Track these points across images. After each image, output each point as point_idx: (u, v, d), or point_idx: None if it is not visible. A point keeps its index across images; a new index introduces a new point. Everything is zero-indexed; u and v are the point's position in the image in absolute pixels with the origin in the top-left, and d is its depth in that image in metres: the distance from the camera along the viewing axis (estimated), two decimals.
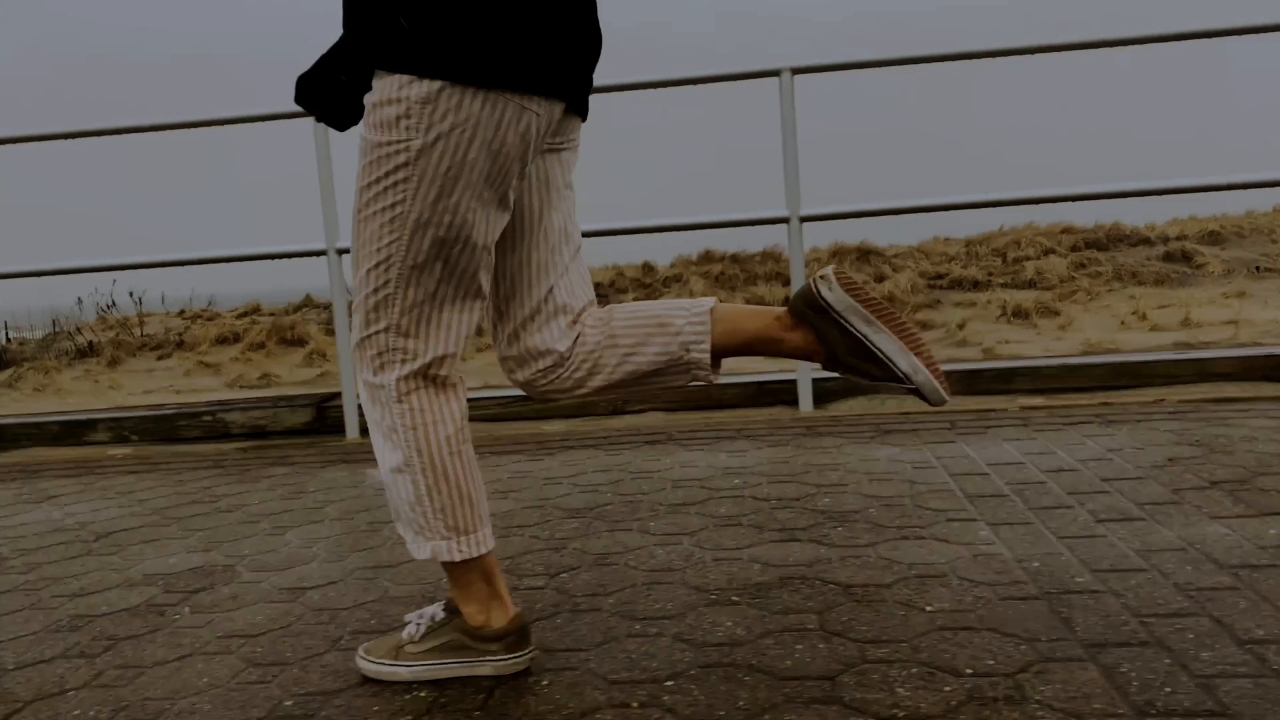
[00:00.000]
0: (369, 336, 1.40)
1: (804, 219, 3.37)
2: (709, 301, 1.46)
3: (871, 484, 2.39)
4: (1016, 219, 19.79)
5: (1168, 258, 16.38)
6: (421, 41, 1.26)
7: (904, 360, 1.39)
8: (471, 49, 1.26)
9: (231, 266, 3.80)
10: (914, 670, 1.39)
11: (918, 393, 1.42)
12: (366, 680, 1.49)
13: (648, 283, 16.67)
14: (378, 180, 1.33)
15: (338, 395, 3.90)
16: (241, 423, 3.68)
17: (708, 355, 1.43)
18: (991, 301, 13.84)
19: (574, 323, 1.47)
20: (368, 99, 1.33)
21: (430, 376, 1.41)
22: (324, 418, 3.69)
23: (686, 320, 1.43)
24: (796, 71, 3.32)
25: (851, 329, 1.39)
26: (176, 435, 3.73)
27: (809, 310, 1.41)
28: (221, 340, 17.15)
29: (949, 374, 3.51)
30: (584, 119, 1.48)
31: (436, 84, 1.27)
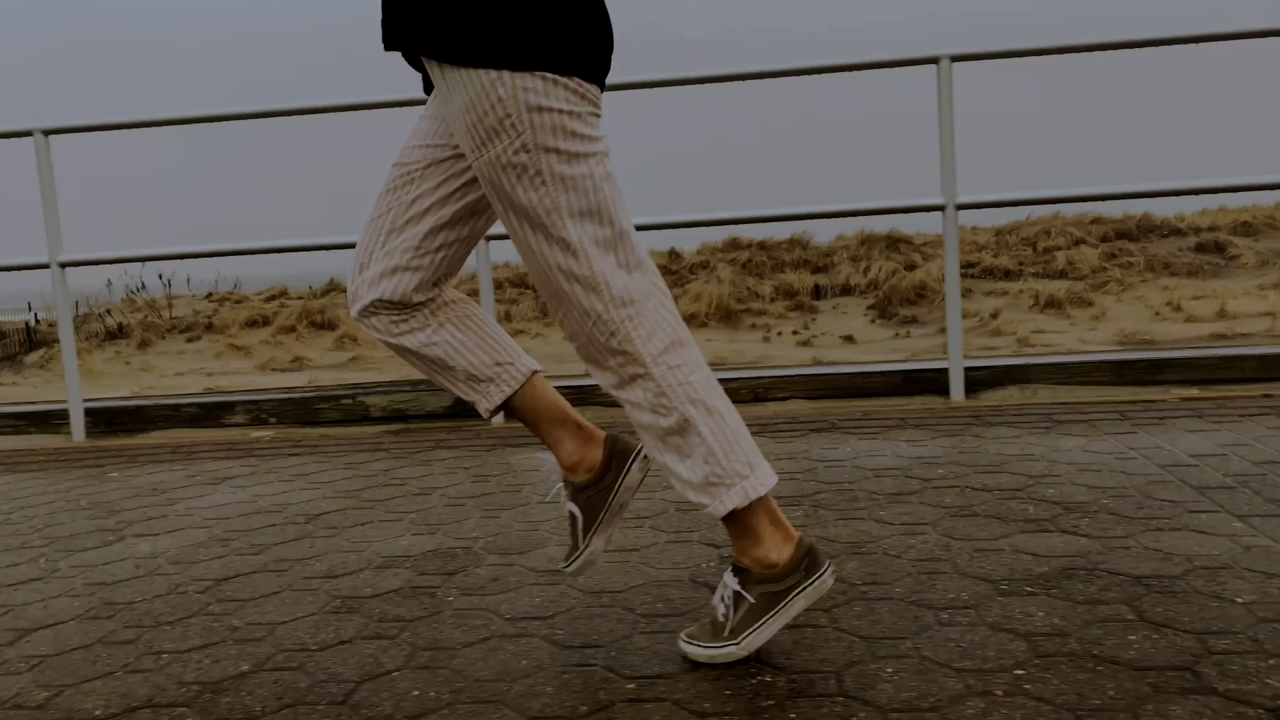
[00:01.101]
0: (599, 334, 1.42)
1: (960, 206, 3.36)
2: (538, 365, 1.61)
3: (1083, 474, 2.38)
4: (1042, 209, 19.61)
5: (1200, 249, 16.23)
6: (507, 33, 1.30)
7: (601, 540, 1.58)
8: (551, 37, 1.32)
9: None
10: (1272, 662, 1.38)
11: (575, 559, 1.59)
12: (699, 664, 1.49)
13: (674, 269, 16.65)
14: (526, 191, 1.36)
15: None
16: (382, 406, 3.69)
17: (503, 397, 1.58)
18: (1024, 291, 13.69)
19: (435, 285, 1.55)
20: (461, 121, 1.36)
21: (663, 337, 1.44)
22: (465, 402, 3.69)
23: (515, 359, 1.58)
24: (955, 59, 3.30)
25: (617, 493, 1.56)
26: (315, 418, 3.74)
27: (617, 453, 1.56)
28: (251, 323, 17.13)
29: (1101, 365, 3.51)
30: None
31: (521, 75, 1.31)
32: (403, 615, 1.76)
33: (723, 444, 1.44)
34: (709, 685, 1.42)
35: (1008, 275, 14.65)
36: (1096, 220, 17.10)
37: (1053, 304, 12.59)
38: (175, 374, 12.68)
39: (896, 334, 11.96)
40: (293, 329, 15.97)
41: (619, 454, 1.57)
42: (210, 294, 19.96)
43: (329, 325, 15.90)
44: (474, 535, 2.21)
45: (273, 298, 18.61)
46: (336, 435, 3.53)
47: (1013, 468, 2.48)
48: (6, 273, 3.77)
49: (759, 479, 1.46)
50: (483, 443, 3.23)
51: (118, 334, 15.81)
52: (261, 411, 3.77)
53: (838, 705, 1.34)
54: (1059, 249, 15.48)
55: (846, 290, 14.62)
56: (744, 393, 3.66)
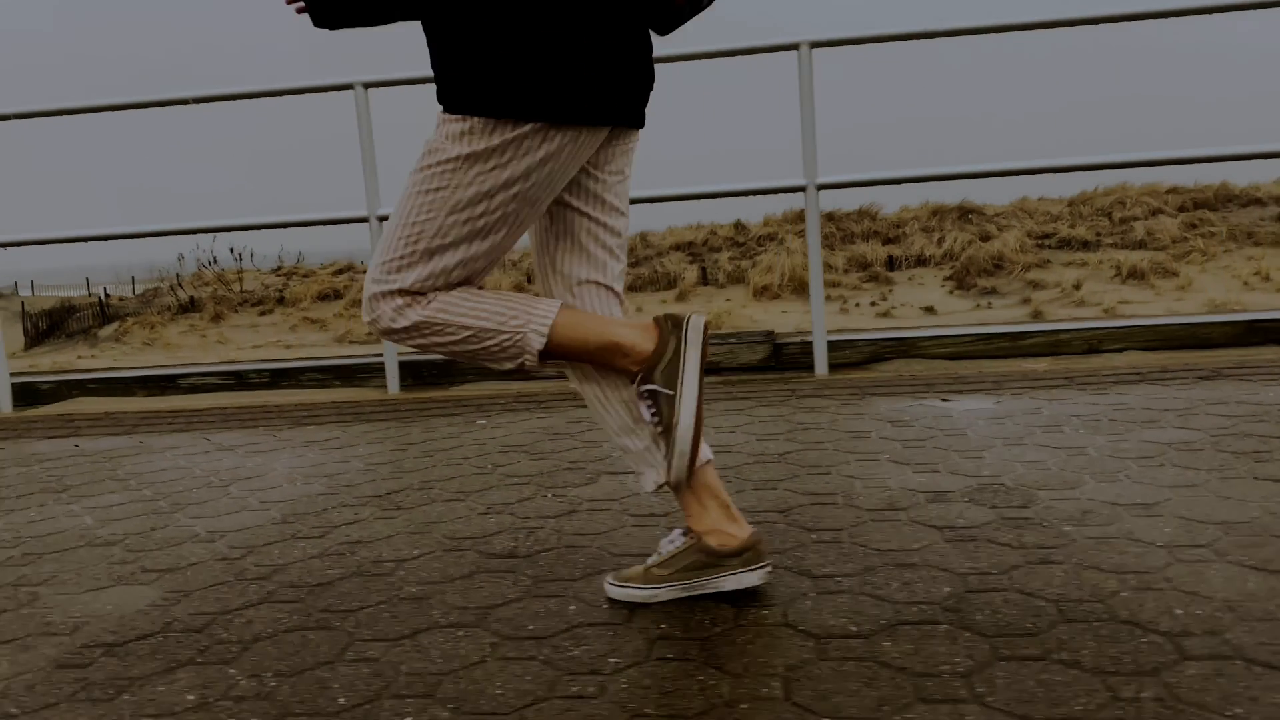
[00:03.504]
0: (385, 294, 1.47)
1: None
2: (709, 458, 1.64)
3: None
4: (1110, 179, 18.95)
5: None
6: (514, 86, 1.38)
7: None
8: (559, 90, 1.39)
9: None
10: None
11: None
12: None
13: (741, 241, 16.43)
14: (439, 176, 1.43)
15: (793, 333, 3.94)
16: None
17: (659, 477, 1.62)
18: (1104, 261, 13.18)
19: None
20: (449, 127, 1.43)
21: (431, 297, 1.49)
22: (779, 354, 3.72)
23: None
24: None
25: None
26: None
27: (670, 326, 1.52)
28: (322, 297, 17.05)
29: None
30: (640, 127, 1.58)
31: (526, 126, 1.39)
32: (1010, 541, 1.77)
33: (491, 319, 1.48)
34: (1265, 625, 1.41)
35: (1085, 246, 14.14)
36: (1173, 190, 16.43)
37: (1135, 274, 12.13)
38: (253, 346, 12.87)
39: (978, 305, 11.68)
40: None
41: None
42: (279, 267, 19.93)
43: None
44: (947, 473, 2.22)
45: (340, 271, 18.62)
46: None
47: None
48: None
49: (537, 311, 1.49)
50: (811, 394, 3.24)
51: (190, 308, 15.80)
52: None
53: None
54: (1136, 219, 14.93)
55: (921, 261, 14.26)
56: (1076, 344, 3.62)
